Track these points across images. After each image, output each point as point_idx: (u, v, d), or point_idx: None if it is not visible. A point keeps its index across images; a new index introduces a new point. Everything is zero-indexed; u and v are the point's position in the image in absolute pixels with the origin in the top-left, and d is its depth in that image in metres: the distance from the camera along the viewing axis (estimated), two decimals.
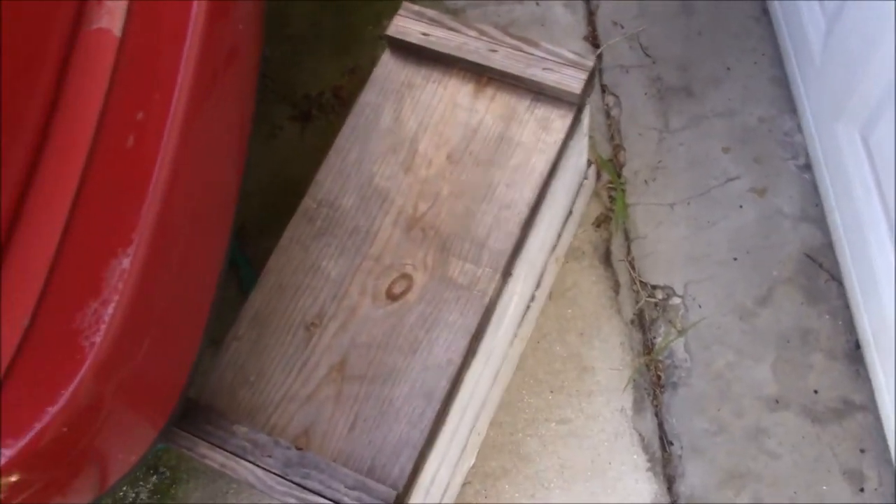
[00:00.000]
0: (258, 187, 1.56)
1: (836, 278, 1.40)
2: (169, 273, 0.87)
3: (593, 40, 1.66)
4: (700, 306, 1.41)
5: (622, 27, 1.66)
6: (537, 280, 1.37)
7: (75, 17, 0.88)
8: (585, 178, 1.44)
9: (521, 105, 1.20)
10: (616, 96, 1.60)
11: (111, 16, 0.90)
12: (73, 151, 0.83)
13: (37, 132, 0.83)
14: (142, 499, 1.42)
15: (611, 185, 1.52)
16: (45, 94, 0.84)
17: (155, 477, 1.44)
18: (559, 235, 1.40)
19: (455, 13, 1.70)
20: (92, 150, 0.84)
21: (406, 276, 1.13)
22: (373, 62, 1.67)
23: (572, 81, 1.18)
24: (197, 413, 1.06)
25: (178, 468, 1.43)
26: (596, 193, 1.53)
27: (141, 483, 1.43)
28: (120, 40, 0.89)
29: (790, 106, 1.54)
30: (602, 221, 1.51)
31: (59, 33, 0.86)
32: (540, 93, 1.20)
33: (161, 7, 0.92)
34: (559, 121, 1.19)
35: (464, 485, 1.35)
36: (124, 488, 1.43)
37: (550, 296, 1.45)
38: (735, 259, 1.44)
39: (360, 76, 1.67)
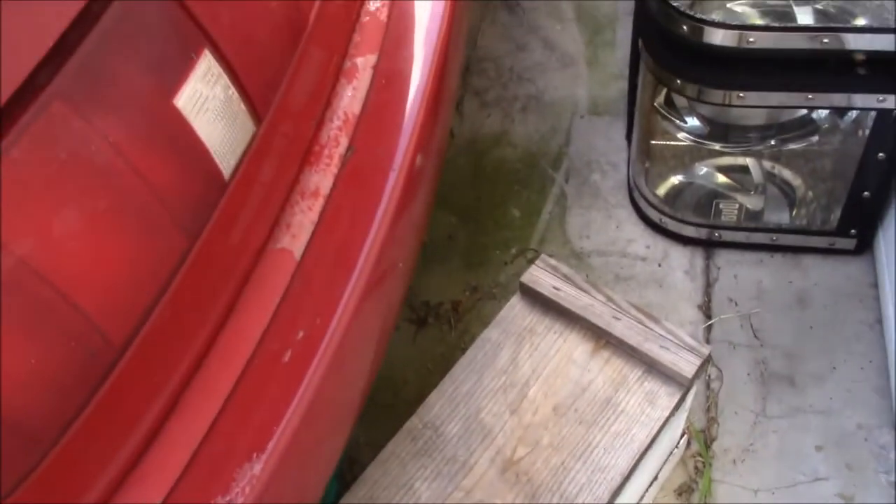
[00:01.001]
0: None
1: None
2: (291, 480, 0.94)
3: (706, 311, 1.73)
4: None
5: (737, 304, 1.72)
6: None
7: (267, 235, 1.00)
8: (676, 447, 1.48)
9: (633, 375, 1.27)
10: (719, 370, 1.65)
11: (295, 238, 1.02)
12: (236, 357, 0.93)
13: (210, 332, 0.93)
14: None
15: (698, 456, 1.55)
16: (225, 301, 0.94)
17: None
18: (641, 497, 1.42)
19: (579, 257, 1.81)
20: (251, 359, 0.93)
21: None
22: (494, 284, 1.79)
23: (685, 365, 1.24)
24: None
25: None
26: (683, 461, 1.55)
27: None
28: (298, 263, 0.99)
29: (890, 420, 1.56)
30: (684, 491, 1.52)
31: (251, 248, 0.98)
32: (652, 367, 1.26)
33: (341, 233, 1.03)
34: (666, 398, 1.25)
35: None
36: None
37: None
38: None
39: (479, 295, 1.77)
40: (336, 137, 1.11)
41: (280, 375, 0.92)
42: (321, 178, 1.07)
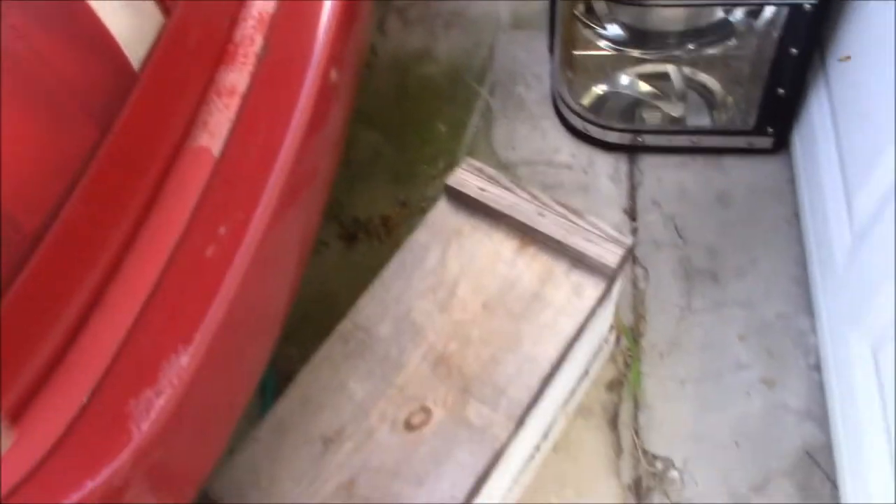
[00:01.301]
0: (300, 295, 1.64)
1: (831, 479, 1.45)
2: (219, 375, 0.95)
3: (631, 214, 1.76)
4: (696, 483, 1.46)
5: (661, 206, 1.76)
6: (545, 432, 1.42)
7: (184, 133, 0.99)
8: (605, 341, 1.52)
9: (559, 268, 1.29)
10: (645, 269, 1.69)
11: (212, 136, 1.00)
12: (157, 252, 0.92)
13: (130, 229, 0.92)
14: None
15: (628, 352, 1.60)
16: (143, 196, 0.93)
17: None
18: (572, 392, 1.46)
19: (506, 168, 1.82)
20: (173, 253, 0.92)
21: (426, 410, 1.19)
22: (422, 199, 1.79)
23: (610, 255, 1.27)
24: None
25: None
26: (612, 357, 1.59)
27: None
28: (217, 160, 0.99)
29: (808, 307, 1.62)
30: (614, 385, 1.57)
31: (168, 143, 0.96)
32: (578, 260, 1.29)
33: (259, 134, 1.02)
34: (592, 289, 1.27)
35: None
36: None
37: (554, 448, 1.50)
38: (736, 444, 1.49)
39: (408, 210, 1.78)
40: (251, 36, 1.09)
41: (203, 270, 0.92)
42: (237, 77, 1.05)
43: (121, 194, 0.88)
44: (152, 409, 0.86)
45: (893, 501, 1.22)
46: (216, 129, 1.01)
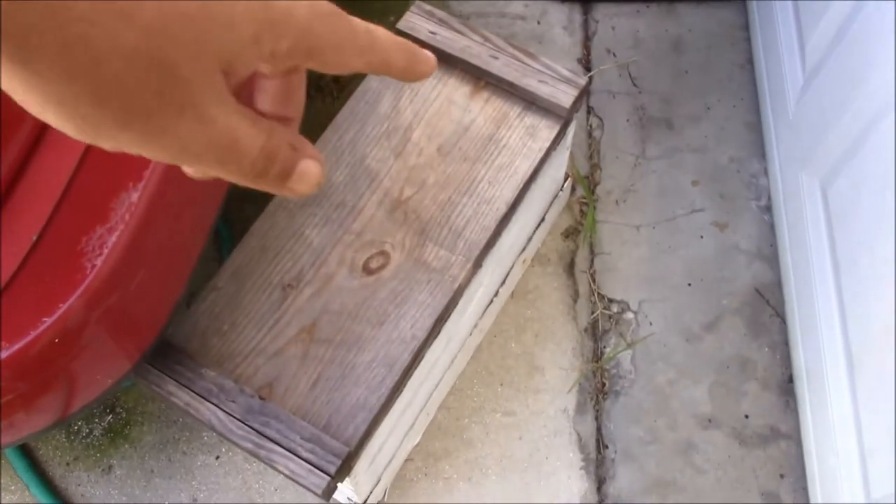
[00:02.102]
0: None
1: (780, 315, 1.50)
2: (171, 213, 0.94)
3: (586, 63, 1.74)
4: (651, 324, 1.50)
5: (615, 55, 1.74)
6: (503, 278, 1.44)
7: None
8: (561, 189, 1.52)
9: (513, 111, 1.28)
10: (600, 119, 1.68)
11: None
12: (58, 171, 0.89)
13: (19, 160, 0.88)
14: (95, 435, 1.47)
15: (583, 201, 1.61)
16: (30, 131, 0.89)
17: (111, 416, 1.49)
18: (529, 239, 1.48)
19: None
20: (75, 173, 0.89)
21: (383, 254, 1.20)
22: None
23: (563, 96, 1.26)
24: (169, 353, 1.12)
25: (134, 410, 1.49)
26: (569, 206, 1.61)
27: (96, 420, 1.48)
28: None
29: (760, 151, 1.63)
30: (571, 233, 1.59)
31: None
32: (532, 102, 1.28)
33: None
34: (546, 130, 1.27)
35: (407, 461, 1.42)
36: (79, 422, 1.48)
37: (513, 295, 1.53)
38: (689, 285, 1.53)
39: None
40: None
41: (97, 202, 0.90)
42: None
43: None
44: (105, 245, 0.85)
45: (839, 332, 1.27)
46: None
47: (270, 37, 0.33)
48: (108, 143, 0.31)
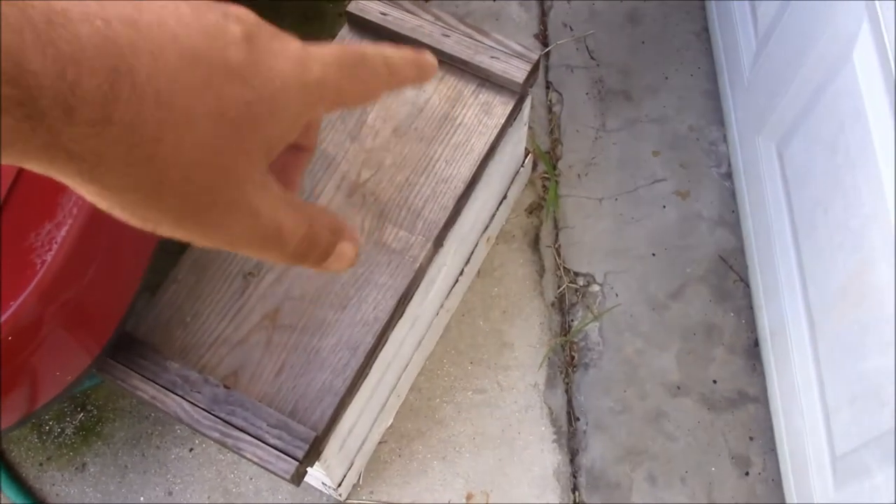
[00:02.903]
0: None
1: (744, 280, 1.51)
2: None
3: (543, 39, 1.74)
4: (617, 295, 1.51)
5: (572, 29, 1.75)
6: (467, 256, 1.45)
7: None
8: (522, 166, 1.53)
9: (467, 89, 1.28)
10: (559, 93, 1.69)
11: None
12: None
13: None
14: (67, 433, 1.47)
15: (545, 176, 1.61)
16: None
17: (82, 414, 1.48)
18: (492, 217, 1.48)
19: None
20: None
21: None
22: (331, 38, 1.74)
23: (516, 71, 1.26)
24: (132, 347, 1.12)
25: (105, 407, 1.48)
26: (531, 182, 1.61)
27: (68, 419, 1.48)
28: None
29: (718, 118, 1.64)
30: (534, 209, 1.59)
31: None
32: (486, 79, 1.28)
33: None
34: (501, 107, 1.27)
35: (380, 443, 1.42)
36: (50, 422, 1.47)
37: (479, 273, 1.53)
38: (653, 255, 1.54)
39: None
40: None
41: None
42: None
43: None
44: (54, 241, 0.85)
45: (800, 294, 1.29)
46: None
47: (309, 111, 0.35)
48: (167, 234, 0.34)
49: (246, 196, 0.33)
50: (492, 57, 1.27)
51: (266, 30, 0.34)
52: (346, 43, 1.27)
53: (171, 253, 1.40)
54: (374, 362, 1.17)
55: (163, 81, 0.29)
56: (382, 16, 1.30)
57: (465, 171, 1.23)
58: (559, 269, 1.54)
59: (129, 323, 1.12)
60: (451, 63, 1.29)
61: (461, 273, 1.45)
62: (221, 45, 0.32)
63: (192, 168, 0.31)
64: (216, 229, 0.33)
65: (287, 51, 0.34)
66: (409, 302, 1.20)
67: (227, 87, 0.32)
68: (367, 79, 0.37)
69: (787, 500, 1.32)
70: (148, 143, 0.30)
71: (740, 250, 1.53)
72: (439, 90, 1.28)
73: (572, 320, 1.50)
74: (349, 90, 0.37)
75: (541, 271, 1.54)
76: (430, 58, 0.42)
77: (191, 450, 1.44)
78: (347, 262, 0.39)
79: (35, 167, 0.29)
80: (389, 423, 1.43)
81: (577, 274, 1.54)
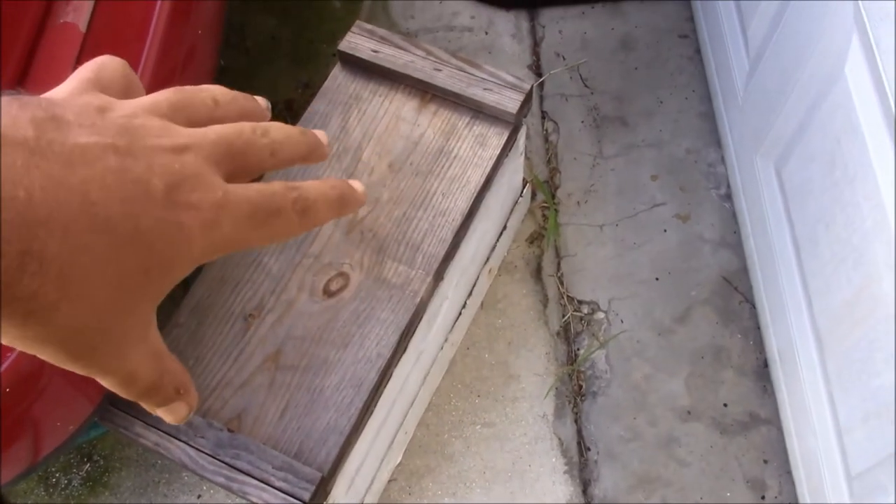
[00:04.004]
0: None
1: (749, 301, 1.50)
2: None
3: (537, 69, 1.75)
4: (622, 321, 1.50)
5: (564, 59, 1.75)
6: (469, 289, 1.44)
7: (44, 12, 0.94)
8: (521, 196, 1.52)
9: (461, 121, 1.28)
10: (555, 122, 1.69)
11: (77, 12, 0.96)
12: None
13: None
14: (74, 485, 1.45)
15: (545, 205, 1.61)
16: (10, 80, 0.89)
17: (88, 465, 1.47)
18: (493, 248, 1.48)
19: (408, 37, 1.78)
20: None
21: (343, 275, 1.19)
22: (325, 78, 1.75)
23: (509, 102, 1.26)
24: None
25: (111, 457, 1.47)
26: (531, 212, 1.61)
27: (74, 470, 1.47)
28: (84, 35, 0.95)
29: (715, 139, 1.64)
30: (535, 238, 1.59)
31: (28, 24, 0.92)
32: (479, 111, 1.28)
33: (125, 6, 0.98)
34: (495, 138, 1.27)
35: (389, 481, 1.41)
36: (57, 474, 1.46)
37: (482, 305, 1.52)
38: (657, 279, 1.53)
39: (312, 91, 1.74)
40: None
41: None
42: None
43: None
44: None
45: (806, 312, 1.27)
46: (80, 4, 0.96)
47: (207, 261, 0.36)
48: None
49: (125, 343, 0.35)
50: (485, 89, 1.27)
51: (191, 178, 0.34)
52: (338, 80, 1.28)
53: (171, 297, 1.39)
54: (378, 399, 1.16)
55: (69, 256, 0.31)
56: (374, 53, 1.31)
57: (463, 203, 1.23)
58: (563, 297, 1.53)
59: None
60: (444, 97, 1.29)
61: (464, 306, 1.44)
62: (136, 212, 0.33)
63: (83, 329, 0.33)
64: (88, 364, 0.35)
65: (203, 203, 0.35)
66: (411, 337, 1.19)
67: (130, 257, 0.33)
68: (277, 229, 0.38)
69: None
70: (45, 311, 0.31)
71: (744, 270, 1.52)
72: (433, 124, 1.28)
73: (578, 349, 1.49)
74: (254, 240, 0.37)
75: (544, 301, 1.53)
76: (358, 190, 0.42)
77: (199, 496, 1.43)
78: (174, 419, 0.40)
79: None
80: (398, 461, 1.42)
81: (581, 302, 1.53)
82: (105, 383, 0.37)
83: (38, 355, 0.34)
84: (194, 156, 0.35)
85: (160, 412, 0.40)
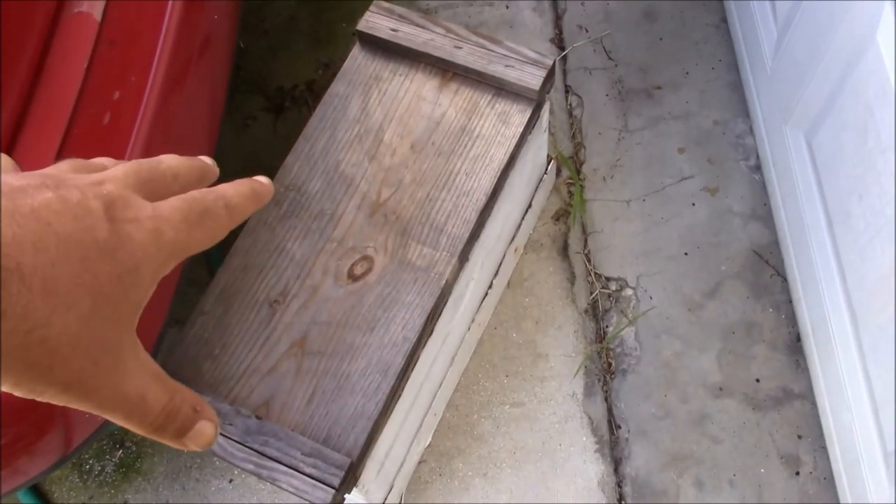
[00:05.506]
0: (230, 174, 1.61)
1: (781, 274, 1.47)
2: None
3: (559, 43, 1.72)
4: (651, 298, 1.48)
5: (587, 31, 1.72)
6: (495, 268, 1.42)
7: (59, 1, 0.93)
8: (545, 173, 1.50)
9: (483, 99, 1.26)
10: (579, 97, 1.66)
11: (92, 1, 0.95)
12: (52, 126, 0.88)
13: (18, 106, 0.88)
14: (107, 472, 1.47)
15: (570, 182, 1.59)
16: (26, 71, 0.89)
17: (121, 451, 1.48)
18: (518, 227, 1.46)
19: (427, 13, 1.76)
20: (70, 125, 0.89)
21: (367, 258, 1.18)
22: (345, 58, 1.74)
23: (532, 78, 1.24)
24: None
25: (143, 443, 1.48)
26: (556, 189, 1.59)
27: (107, 457, 1.48)
28: (100, 24, 0.94)
29: (743, 110, 1.61)
30: (561, 216, 1.57)
31: (43, 14, 0.91)
32: (501, 88, 1.26)
33: None
34: (518, 115, 1.25)
35: (420, 463, 1.40)
36: (91, 461, 1.47)
37: (509, 285, 1.51)
38: (686, 254, 1.50)
39: (333, 71, 1.72)
40: None
41: (102, 138, 0.89)
42: None
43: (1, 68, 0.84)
44: None
45: (839, 285, 1.25)
46: None
47: (165, 270, 0.39)
48: (50, 401, 0.36)
49: (122, 358, 0.37)
50: (506, 66, 1.25)
51: (119, 199, 0.38)
52: (358, 61, 1.27)
53: (196, 283, 1.40)
54: (405, 383, 1.16)
55: (48, 269, 0.33)
56: (393, 32, 1.29)
57: (486, 182, 1.21)
58: (590, 275, 1.51)
59: (158, 358, 1.12)
60: (465, 75, 1.27)
61: (490, 286, 1.43)
62: (89, 226, 0.35)
63: (77, 342, 0.34)
64: (94, 393, 0.36)
65: (140, 217, 0.38)
66: (437, 319, 1.18)
67: (100, 264, 0.35)
68: (212, 227, 0.42)
69: (842, 500, 1.28)
70: (40, 328, 0.33)
71: (775, 244, 1.49)
72: (455, 102, 1.26)
73: (607, 326, 1.47)
74: (197, 241, 0.41)
75: (572, 278, 1.52)
76: (265, 183, 0.48)
77: (230, 481, 1.43)
78: (205, 442, 0.41)
79: None
80: (428, 442, 1.41)
81: (608, 279, 1.51)
82: (119, 417, 0.38)
83: (43, 395, 0.35)
84: (114, 185, 0.39)
85: (187, 441, 0.41)
